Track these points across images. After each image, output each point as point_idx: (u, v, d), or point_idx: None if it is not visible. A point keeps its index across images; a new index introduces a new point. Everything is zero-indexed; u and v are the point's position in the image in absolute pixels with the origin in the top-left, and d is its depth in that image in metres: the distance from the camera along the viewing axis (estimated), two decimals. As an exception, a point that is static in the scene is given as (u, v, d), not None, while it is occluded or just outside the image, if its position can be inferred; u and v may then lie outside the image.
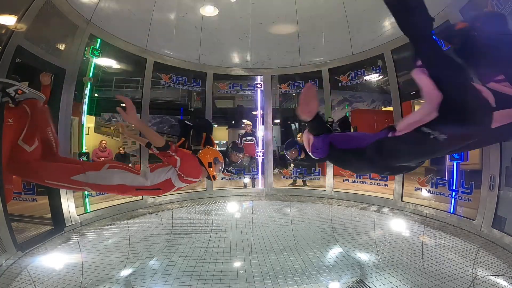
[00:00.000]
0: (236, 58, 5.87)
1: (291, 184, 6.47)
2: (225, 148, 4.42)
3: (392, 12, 1.22)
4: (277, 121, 11.86)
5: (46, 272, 2.50)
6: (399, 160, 1.62)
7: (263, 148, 6.09)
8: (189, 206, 5.06)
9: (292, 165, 6.53)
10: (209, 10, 5.02)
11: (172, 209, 4.84)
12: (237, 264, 2.95)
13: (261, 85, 6.04)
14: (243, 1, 4.96)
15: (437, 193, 4.23)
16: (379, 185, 5.20)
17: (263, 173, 6.04)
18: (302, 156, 2.95)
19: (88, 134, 7.49)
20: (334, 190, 5.64)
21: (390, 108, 5.26)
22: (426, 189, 4.41)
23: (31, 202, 3.77)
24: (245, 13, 5.14)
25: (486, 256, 2.78)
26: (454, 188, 3.94)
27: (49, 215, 3.59)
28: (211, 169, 2.29)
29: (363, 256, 3.01)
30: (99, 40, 4.28)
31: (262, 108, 6.11)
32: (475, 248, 2.97)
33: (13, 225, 2.95)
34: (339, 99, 11.94)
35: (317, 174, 6.05)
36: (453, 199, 3.94)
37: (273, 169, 6.24)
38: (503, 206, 3.16)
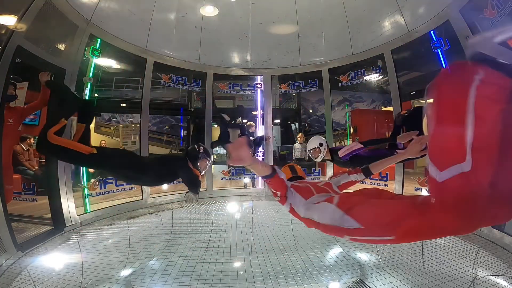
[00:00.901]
0: (236, 58, 5.87)
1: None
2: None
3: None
4: (277, 121, 11.87)
5: (46, 272, 2.49)
6: None
7: (263, 148, 6.09)
8: (189, 206, 5.06)
9: (292, 165, 6.52)
10: (209, 10, 5.02)
11: (172, 209, 4.84)
12: (237, 264, 2.95)
13: (261, 85, 6.04)
14: (243, 1, 4.96)
15: (437, 193, 4.22)
16: (379, 185, 5.19)
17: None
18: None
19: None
20: (334, 190, 5.62)
21: (390, 108, 5.26)
22: (426, 189, 4.41)
23: (31, 202, 3.77)
24: (245, 13, 5.14)
25: (486, 256, 2.77)
26: (454, 188, 3.93)
27: (49, 215, 3.59)
28: None
29: (363, 256, 3.01)
30: (99, 40, 4.28)
31: (262, 108, 6.11)
32: (475, 248, 2.97)
33: (13, 225, 2.95)
34: (339, 99, 11.96)
35: (317, 174, 6.05)
36: (453, 199, 3.93)
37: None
38: (503, 206, 3.16)
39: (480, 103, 0.76)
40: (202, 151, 2.75)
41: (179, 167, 2.66)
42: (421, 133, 3.24)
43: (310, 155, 3.58)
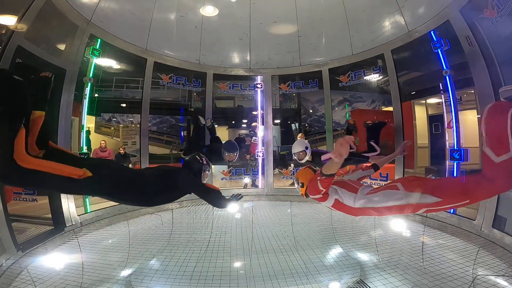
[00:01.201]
0: (236, 58, 5.87)
1: (291, 184, 6.47)
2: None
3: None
4: (277, 121, 11.86)
5: (46, 272, 2.50)
6: None
7: (263, 147, 6.09)
8: (189, 206, 5.06)
9: (292, 165, 6.53)
10: (209, 10, 5.02)
11: (172, 209, 4.84)
12: (237, 264, 2.95)
13: (261, 85, 6.04)
14: (243, 1, 4.96)
15: (437, 193, 4.22)
16: (379, 184, 5.19)
17: (263, 173, 6.04)
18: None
19: (89, 134, 7.49)
20: (334, 190, 5.63)
21: (390, 108, 5.26)
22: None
23: (31, 202, 3.78)
24: (245, 13, 5.14)
25: (486, 256, 2.77)
26: (454, 188, 3.94)
27: (49, 215, 3.59)
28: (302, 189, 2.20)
29: (363, 256, 3.01)
30: (99, 40, 4.28)
31: (262, 108, 6.11)
32: (475, 248, 2.97)
33: (13, 225, 2.95)
34: (339, 99, 11.94)
35: (317, 174, 6.05)
36: (453, 199, 3.93)
37: (273, 169, 6.24)
38: (503, 206, 3.16)
39: None
40: (205, 163, 2.56)
41: (197, 191, 2.44)
42: (376, 141, 4.45)
43: (295, 157, 3.91)
